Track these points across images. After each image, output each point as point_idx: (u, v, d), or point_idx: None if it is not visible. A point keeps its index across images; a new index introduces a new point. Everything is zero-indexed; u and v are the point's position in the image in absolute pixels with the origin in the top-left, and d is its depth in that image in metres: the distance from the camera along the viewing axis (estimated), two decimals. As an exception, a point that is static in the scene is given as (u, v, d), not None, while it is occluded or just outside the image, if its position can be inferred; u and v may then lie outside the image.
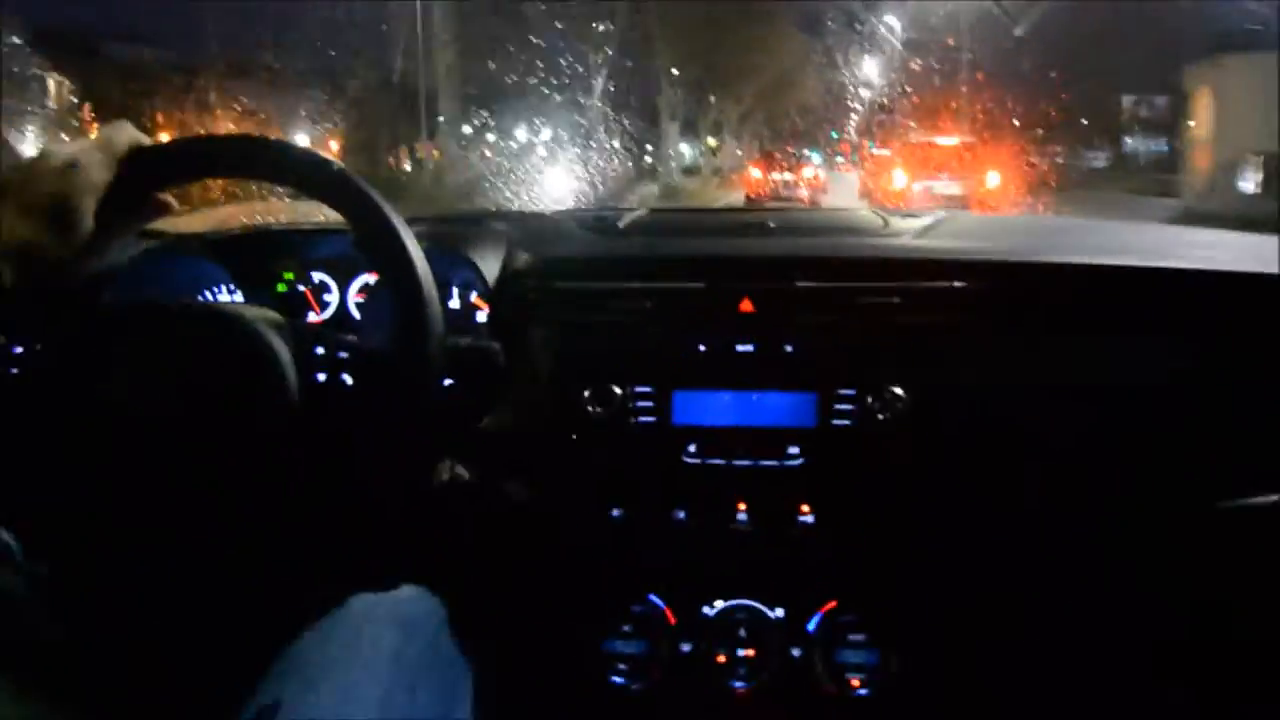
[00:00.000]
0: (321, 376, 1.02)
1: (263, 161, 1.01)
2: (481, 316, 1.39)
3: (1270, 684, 1.29)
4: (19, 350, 1.01)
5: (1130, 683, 1.35)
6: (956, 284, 1.27)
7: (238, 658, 0.98)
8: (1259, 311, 1.26)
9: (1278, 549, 1.24)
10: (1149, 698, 1.35)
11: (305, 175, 1.01)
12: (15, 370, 1.00)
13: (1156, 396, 1.26)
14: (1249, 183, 12.57)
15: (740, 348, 1.27)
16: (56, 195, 0.84)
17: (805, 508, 1.25)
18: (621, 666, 1.28)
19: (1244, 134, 12.75)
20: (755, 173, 19.03)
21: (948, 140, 14.65)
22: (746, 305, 1.27)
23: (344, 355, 1.03)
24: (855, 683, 1.25)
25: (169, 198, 0.99)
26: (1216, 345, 1.27)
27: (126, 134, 0.91)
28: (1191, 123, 14.70)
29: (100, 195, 0.87)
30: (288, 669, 0.94)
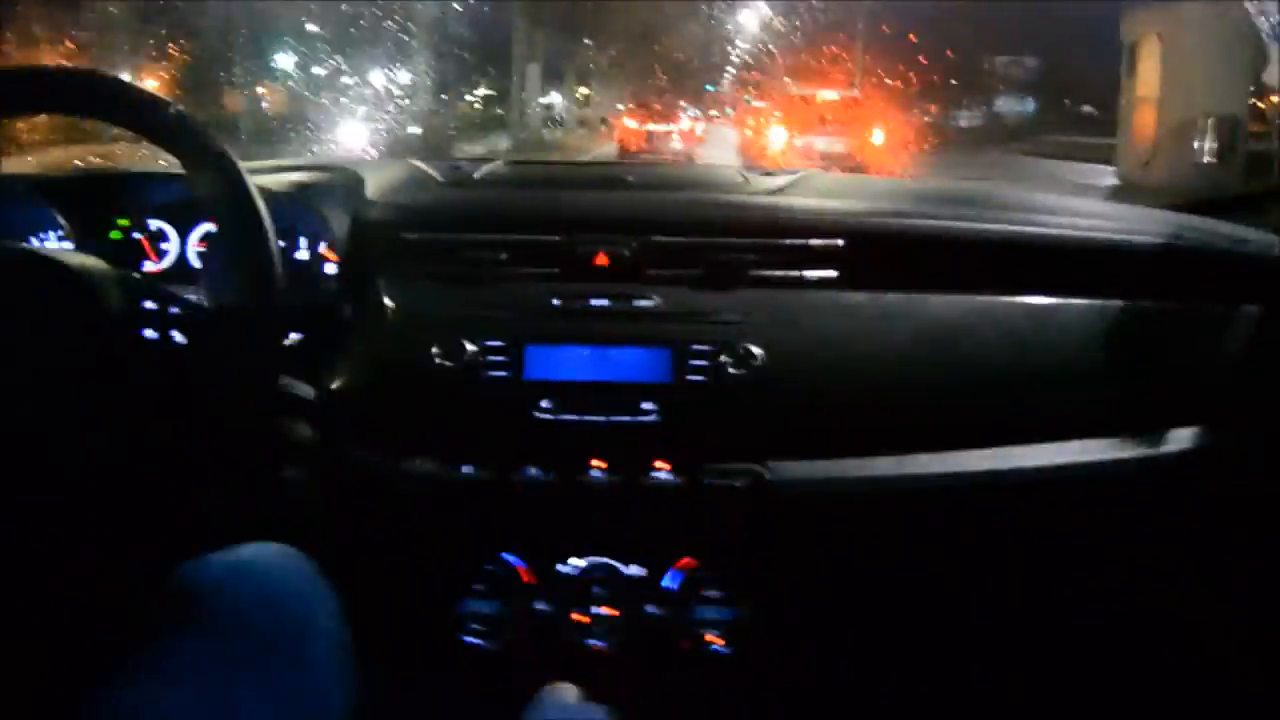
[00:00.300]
0: (151, 333, 0.97)
1: (92, 98, 0.97)
2: (330, 268, 1.35)
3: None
4: None
5: (977, 642, 1.39)
6: (811, 241, 1.27)
7: (75, 625, 0.94)
8: (1099, 269, 1.32)
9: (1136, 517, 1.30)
10: (998, 654, 1.40)
11: (139, 115, 0.96)
12: None
13: (1009, 352, 1.29)
14: (1203, 152, 10.35)
15: (594, 302, 1.25)
16: None
17: (661, 464, 1.24)
18: (476, 626, 1.26)
19: (1195, 94, 10.79)
20: (630, 123, 18.59)
21: (828, 94, 14.47)
22: (601, 259, 1.26)
23: (176, 311, 0.98)
24: (713, 639, 1.26)
25: None
26: (1060, 310, 1.30)
27: None
28: (1131, 80, 12.15)
29: None
30: (131, 637, 0.90)
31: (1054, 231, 1.35)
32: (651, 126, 18.02)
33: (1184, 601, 1.36)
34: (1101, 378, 1.30)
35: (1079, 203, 1.54)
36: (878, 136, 13.84)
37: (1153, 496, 1.30)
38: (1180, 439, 1.28)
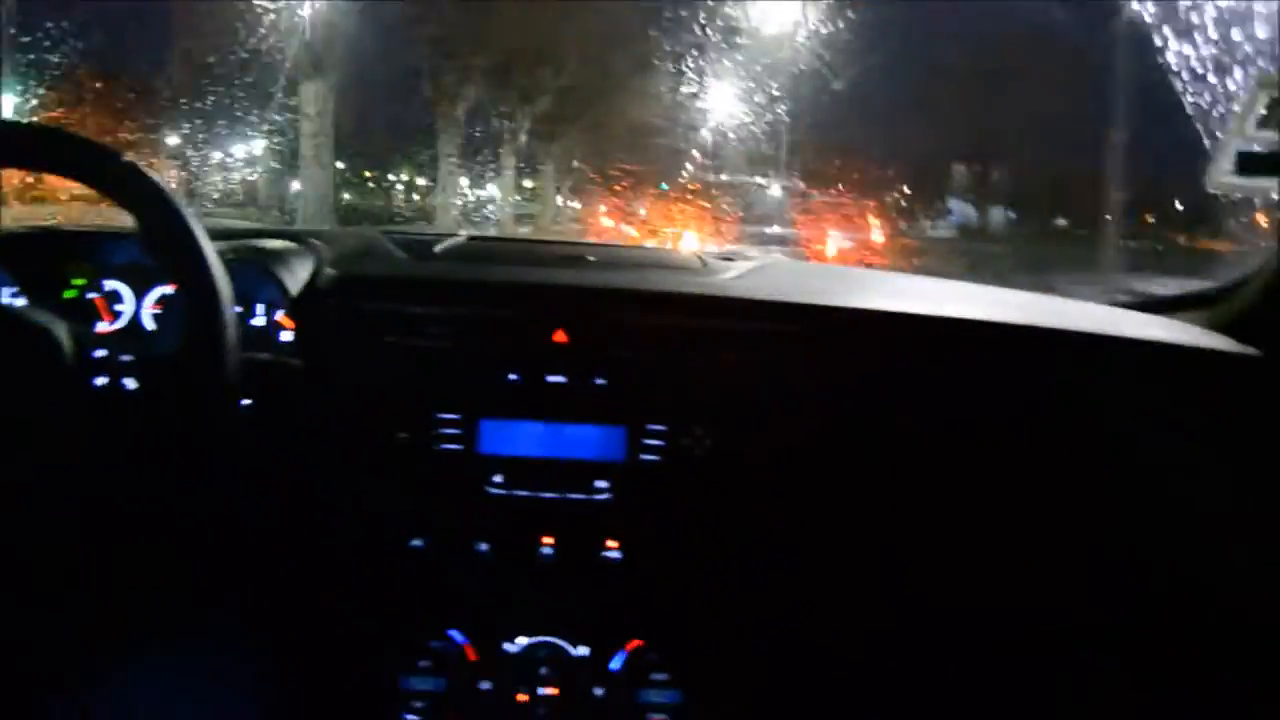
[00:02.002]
0: (102, 380, 0.99)
1: (40, 150, 0.98)
2: (286, 335, 1.37)
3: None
4: None
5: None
6: (769, 324, 1.31)
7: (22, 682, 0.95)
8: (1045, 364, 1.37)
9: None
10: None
11: (89, 168, 0.98)
12: None
13: (961, 438, 1.33)
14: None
15: (551, 378, 1.28)
16: None
17: (612, 543, 1.26)
18: (418, 704, 1.26)
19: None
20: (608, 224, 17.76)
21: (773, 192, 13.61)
22: (560, 336, 1.29)
23: (127, 359, 1.00)
24: None
25: None
26: (1025, 397, 1.35)
27: None
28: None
29: None
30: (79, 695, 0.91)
31: (1007, 320, 1.40)
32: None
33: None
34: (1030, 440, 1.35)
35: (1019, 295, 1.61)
36: (833, 246, 12.20)
37: None
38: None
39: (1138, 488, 1.35)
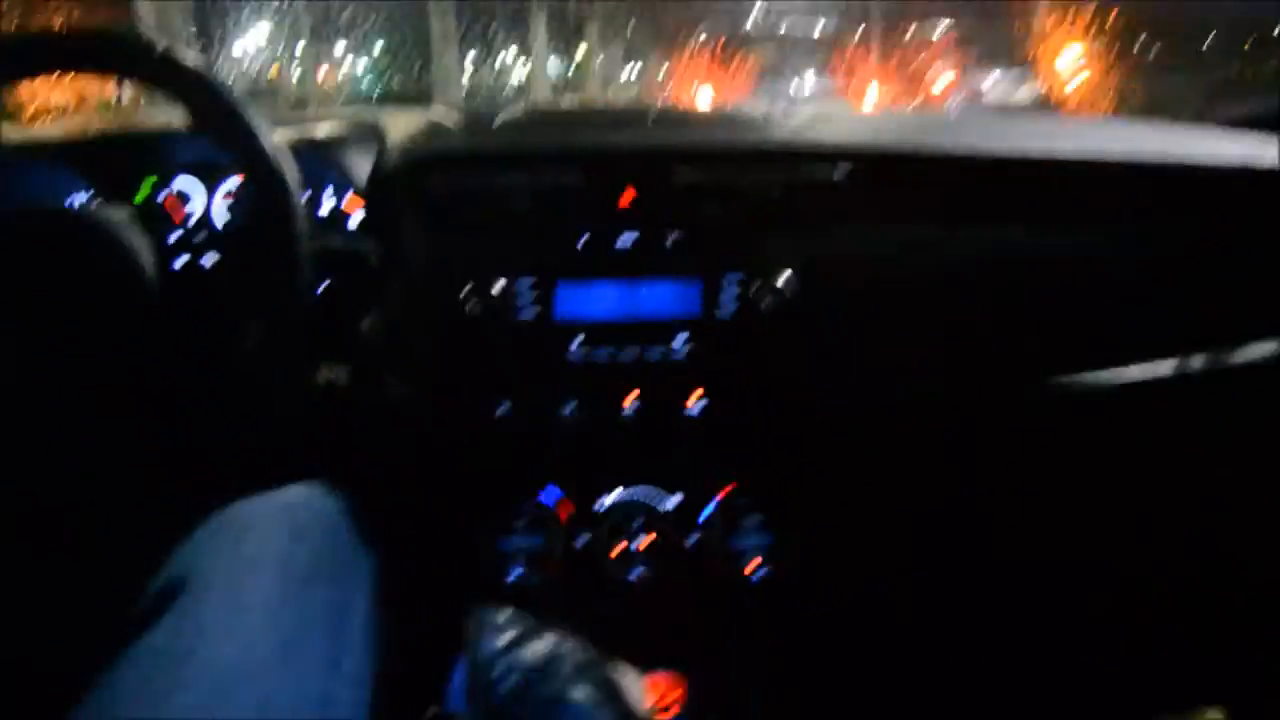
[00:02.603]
0: (182, 259, 1.02)
1: (113, 56, 1.00)
2: (354, 220, 1.40)
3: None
4: None
5: (1027, 575, 1.45)
6: (836, 171, 1.31)
7: (116, 570, 0.99)
8: (1131, 194, 1.35)
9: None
10: (1047, 594, 1.45)
11: (159, 72, 0.99)
12: None
13: (1039, 276, 1.33)
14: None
15: (623, 238, 1.29)
16: None
17: (695, 395, 1.29)
18: (518, 563, 1.32)
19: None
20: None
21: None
22: (628, 196, 1.30)
23: (202, 236, 1.03)
24: (751, 567, 1.32)
25: None
26: (1098, 229, 1.34)
27: None
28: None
29: None
30: (171, 580, 0.95)
31: (1112, 152, 1.37)
32: None
33: None
34: (1134, 302, 1.34)
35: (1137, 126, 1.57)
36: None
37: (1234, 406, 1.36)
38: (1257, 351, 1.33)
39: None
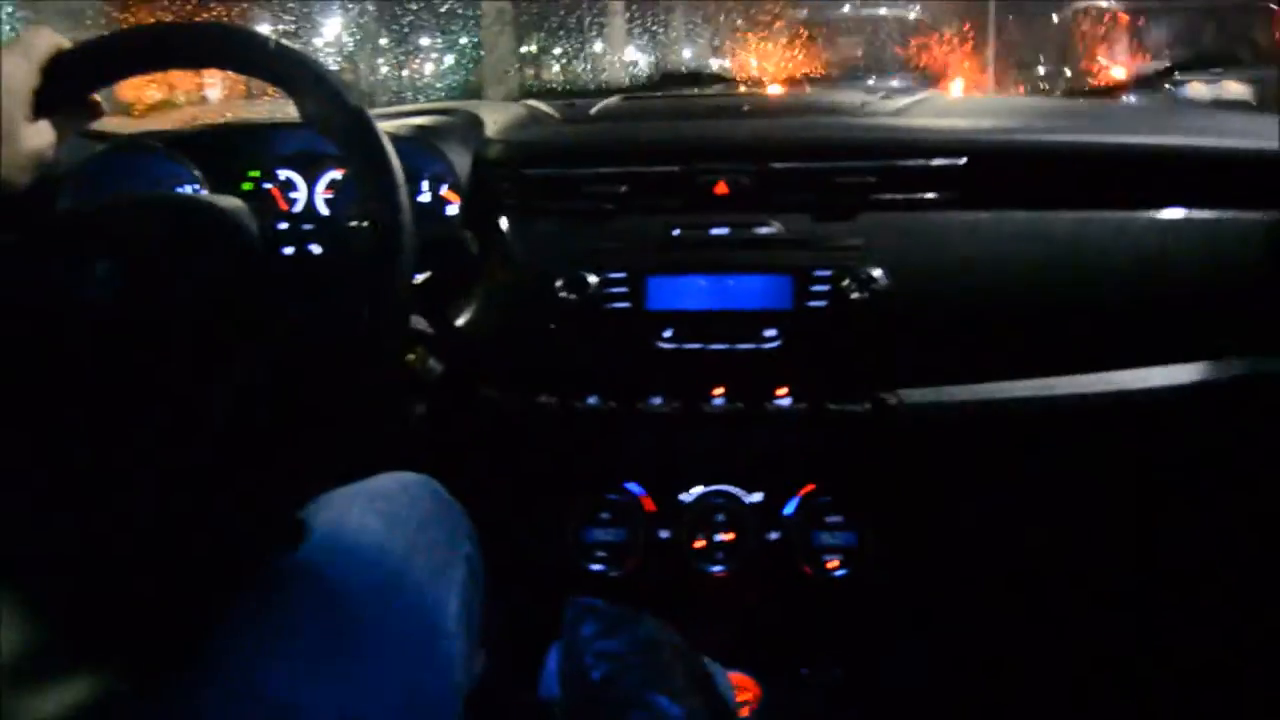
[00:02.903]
0: (289, 249, 1.05)
1: (229, 51, 1.01)
2: (453, 209, 1.43)
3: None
4: None
5: (1110, 584, 1.42)
6: (933, 161, 1.29)
7: (215, 549, 1.03)
8: (1244, 188, 1.29)
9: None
10: (1128, 607, 1.42)
11: (274, 67, 1.01)
12: None
13: (1138, 270, 1.29)
14: None
15: (715, 231, 1.29)
16: None
17: (782, 391, 1.29)
18: (601, 554, 1.34)
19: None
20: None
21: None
22: (721, 188, 1.30)
23: (309, 227, 1.06)
24: (832, 564, 1.32)
25: (97, 98, 1.01)
26: (1194, 225, 1.29)
27: (45, 37, 0.92)
28: None
29: (28, 102, 0.88)
30: (269, 563, 0.98)
31: (1188, 142, 1.34)
32: None
33: None
34: (1244, 295, 1.30)
35: (1217, 116, 1.53)
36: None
37: None
38: None
39: None
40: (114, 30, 1.00)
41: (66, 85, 0.94)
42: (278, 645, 0.90)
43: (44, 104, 0.91)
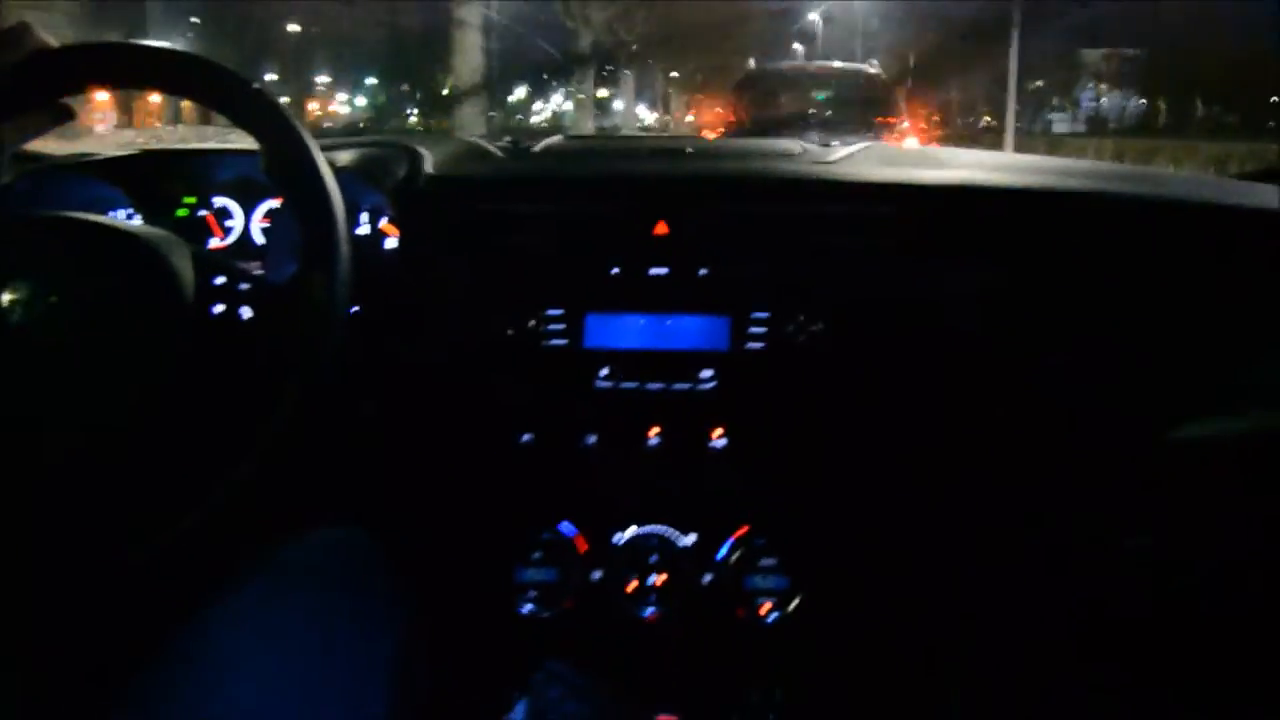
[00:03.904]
0: (219, 308, 1.03)
1: (176, 74, 1.02)
2: (391, 242, 1.43)
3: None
4: None
5: (1040, 620, 1.44)
6: (870, 206, 1.32)
7: (148, 603, 1.01)
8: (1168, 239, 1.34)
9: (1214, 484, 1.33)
10: (1058, 644, 1.44)
11: (219, 91, 1.01)
12: None
13: (1075, 322, 1.33)
14: None
15: (654, 271, 1.31)
16: None
17: (718, 432, 1.30)
18: (532, 594, 1.33)
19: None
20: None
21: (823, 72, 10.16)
22: (661, 228, 1.32)
23: (245, 287, 1.04)
24: (765, 608, 1.32)
25: (69, 104, 1.01)
26: (1129, 276, 1.33)
27: (29, 34, 0.92)
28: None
29: None
30: (201, 619, 0.98)
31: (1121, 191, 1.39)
32: None
33: None
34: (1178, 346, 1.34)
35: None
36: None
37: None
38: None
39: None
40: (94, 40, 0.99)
41: (42, 84, 0.95)
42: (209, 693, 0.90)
43: (14, 100, 0.91)
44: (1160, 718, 1.38)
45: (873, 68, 9.80)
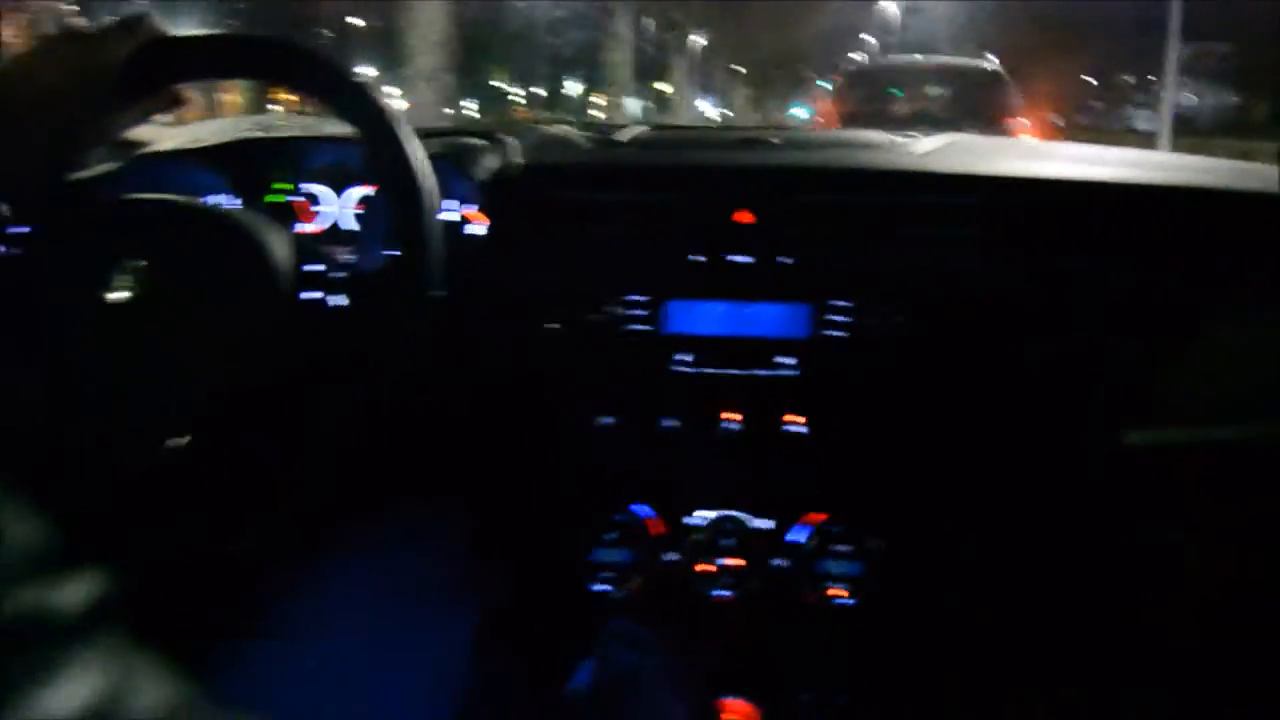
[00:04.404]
0: (312, 295, 1.06)
1: (280, 64, 1.04)
2: (478, 229, 1.48)
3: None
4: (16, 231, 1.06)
5: (1116, 613, 1.45)
6: (955, 199, 1.33)
7: (218, 577, 1.06)
8: (1258, 235, 1.34)
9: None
10: (1134, 633, 1.45)
11: (326, 84, 1.04)
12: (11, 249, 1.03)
13: (1157, 318, 1.33)
14: None
15: (736, 258, 1.33)
16: (77, 67, 0.89)
17: (795, 418, 1.33)
18: (606, 575, 1.37)
19: None
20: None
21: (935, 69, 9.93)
22: (744, 216, 1.34)
23: (338, 275, 1.08)
24: (838, 593, 1.34)
25: (182, 91, 1.06)
26: (1221, 270, 1.34)
27: (147, 22, 0.97)
28: None
29: (114, 78, 0.92)
30: (274, 590, 1.03)
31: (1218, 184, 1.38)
32: None
33: None
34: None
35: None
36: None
37: None
38: None
39: None
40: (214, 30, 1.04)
41: (159, 70, 0.98)
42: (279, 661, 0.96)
43: (129, 86, 0.96)
44: None
45: (990, 63, 9.54)
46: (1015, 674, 1.43)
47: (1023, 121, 8.45)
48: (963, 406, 1.35)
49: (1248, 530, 1.39)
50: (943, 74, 9.73)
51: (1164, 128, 16.34)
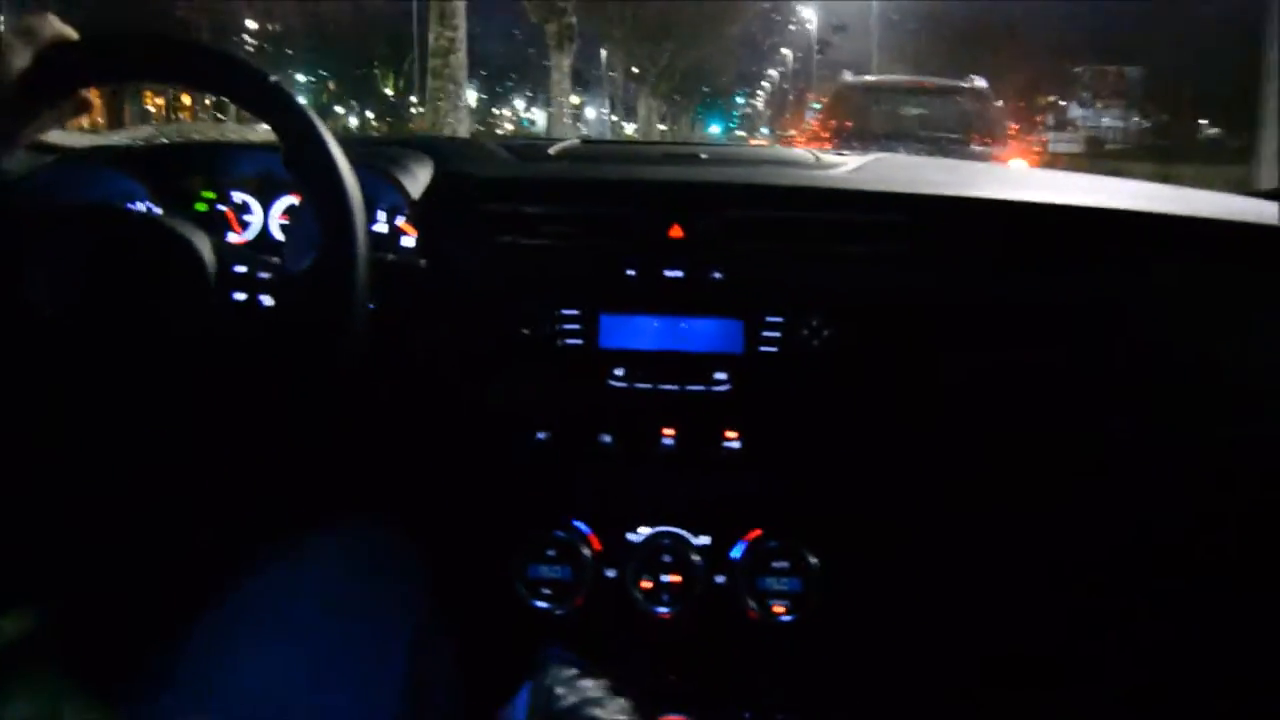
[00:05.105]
0: (240, 296, 1.05)
1: (199, 70, 1.04)
2: (407, 241, 1.46)
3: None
4: None
5: (1055, 621, 1.47)
6: (882, 216, 1.35)
7: (163, 587, 1.04)
8: (1167, 250, 1.38)
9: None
10: (1072, 641, 1.47)
11: (240, 87, 1.04)
12: None
13: (1080, 328, 1.36)
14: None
15: (669, 273, 1.34)
16: None
17: (731, 434, 1.33)
18: (546, 591, 1.35)
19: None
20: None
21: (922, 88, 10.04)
22: (676, 231, 1.35)
23: (265, 276, 1.07)
24: (778, 609, 1.34)
25: (89, 95, 1.03)
26: (1135, 282, 1.37)
27: (50, 25, 0.94)
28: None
29: (16, 83, 0.90)
30: (215, 604, 1.00)
31: (1139, 208, 1.41)
32: None
33: None
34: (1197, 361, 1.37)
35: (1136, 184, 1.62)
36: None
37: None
38: None
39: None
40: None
41: (64, 74, 0.96)
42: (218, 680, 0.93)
43: (34, 88, 0.93)
44: None
45: (979, 83, 9.73)
46: (955, 687, 1.44)
47: (1010, 131, 8.58)
48: (895, 420, 1.37)
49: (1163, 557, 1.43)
50: (928, 93, 9.95)
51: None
